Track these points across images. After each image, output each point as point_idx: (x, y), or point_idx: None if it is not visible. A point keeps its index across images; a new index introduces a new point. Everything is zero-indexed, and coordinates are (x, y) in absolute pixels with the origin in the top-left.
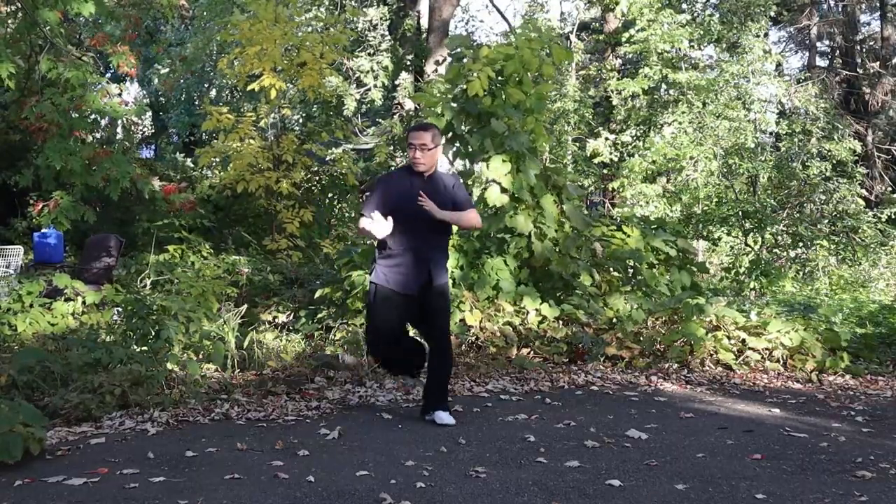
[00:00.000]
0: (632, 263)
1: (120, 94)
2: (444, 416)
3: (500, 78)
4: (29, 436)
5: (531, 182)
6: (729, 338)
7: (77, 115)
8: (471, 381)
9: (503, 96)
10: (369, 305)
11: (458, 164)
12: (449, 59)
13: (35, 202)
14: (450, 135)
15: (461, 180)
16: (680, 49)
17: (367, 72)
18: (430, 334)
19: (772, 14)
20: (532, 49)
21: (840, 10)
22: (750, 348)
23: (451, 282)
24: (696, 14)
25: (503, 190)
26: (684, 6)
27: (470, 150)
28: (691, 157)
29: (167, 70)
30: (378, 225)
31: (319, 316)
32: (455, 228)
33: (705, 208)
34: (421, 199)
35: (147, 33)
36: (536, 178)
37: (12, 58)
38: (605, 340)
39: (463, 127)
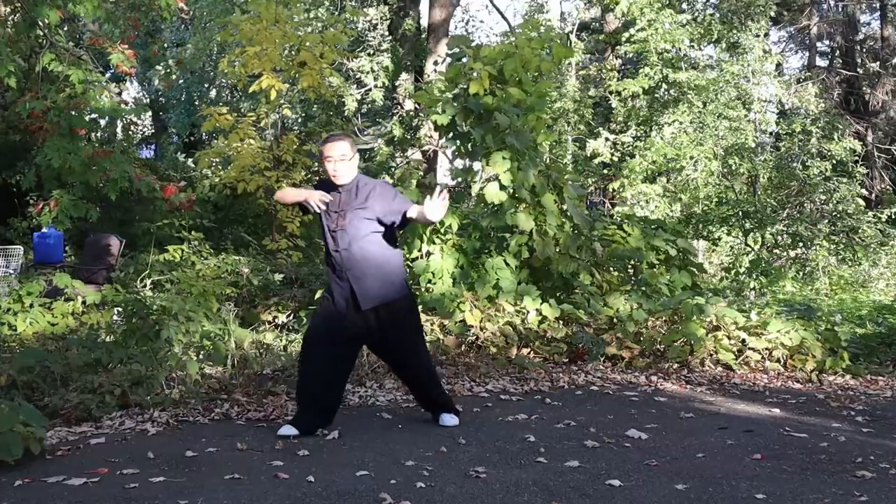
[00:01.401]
0: (632, 263)
1: (119, 94)
2: (451, 420)
3: (500, 77)
4: (29, 435)
5: (531, 180)
6: (729, 338)
7: (76, 114)
8: (471, 381)
9: (503, 95)
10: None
11: (459, 162)
12: (448, 59)
13: (36, 202)
14: (450, 134)
15: (388, 183)
16: (680, 49)
17: (368, 72)
18: (404, 373)
19: (772, 14)
20: (532, 48)
21: (840, 10)
22: (750, 348)
23: (450, 282)
24: (696, 14)
25: (502, 187)
26: (684, 6)
27: (471, 147)
28: (691, 157)
29: (166, 71)
30: (319, 195)
31: None
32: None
33: (705, 208)
34: (338, 251)
35: (147, 34)
36: (537, 177)
37: (13, 57)
38: (605, 340)
39: (464, 126)
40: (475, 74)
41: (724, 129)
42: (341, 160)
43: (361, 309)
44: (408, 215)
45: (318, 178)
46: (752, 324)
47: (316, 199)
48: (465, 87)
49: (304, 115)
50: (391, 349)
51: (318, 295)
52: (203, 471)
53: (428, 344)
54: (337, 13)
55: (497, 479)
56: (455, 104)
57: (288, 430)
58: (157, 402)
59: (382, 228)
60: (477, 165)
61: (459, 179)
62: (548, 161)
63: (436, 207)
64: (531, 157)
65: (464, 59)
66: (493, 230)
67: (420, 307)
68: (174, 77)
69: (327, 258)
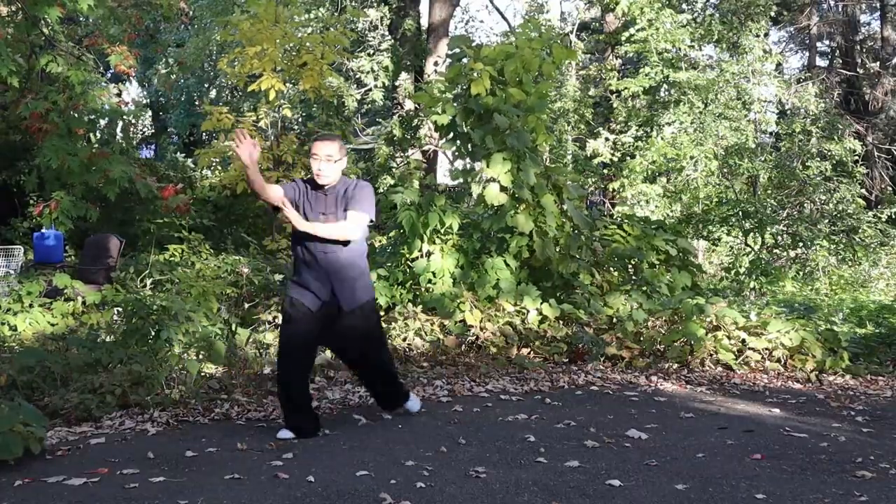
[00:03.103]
0: (632, 263)
1: (119, 95)
2: (413, 405)
3: (501, 77)
4: (29, 435)
5: (531, 181)
6: (729, 338)
7: (75, 115)
8: (471, 381)
9: (504, 96)
10: (281, 322)
11: (459, 163)
12: (448, 60)
13: (37, 203)
14: (451, 135)
15: (368, 186)
16: (680, 49)
17: (368, 72)
18: (362, 364)
19: (772, 14)
20: (533, 49)
21: (840, 10)
22: (750, 348)
23: (450, 282)
24: (696, 14)
25: (503, 189)
26: (684, 6)
27: (470, 148)
28: (691, 157)
29: (166, 70)
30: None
31: None
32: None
33: (705, 208)
34: (286, 207)
35: (147, 34)
36: (537, 178)
37: (13, 56)
38: (605, 340)
39: (465, 127)
40: (476, 75)
41: (725, 129)
42: (327, 160)
43: (345, 311)
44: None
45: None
46: (752, 324)
47: (295, 225)
48: (465, 87)
49: (304, 115)
50: (360, 346)
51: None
52: (203, 471)
53: (428, 344)
54: (337, 13)
55: (497, 479)
56: (455, 105)
57: (285, 433)
58: (157, 402)
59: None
60: (477, 166)
61: (459, 180)
62: (547, 162)
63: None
64: (531, 157)
65: (464, 60)
66: (494, 231)
67: (420, 307)
68: (174, 77)
69: (303, 257)
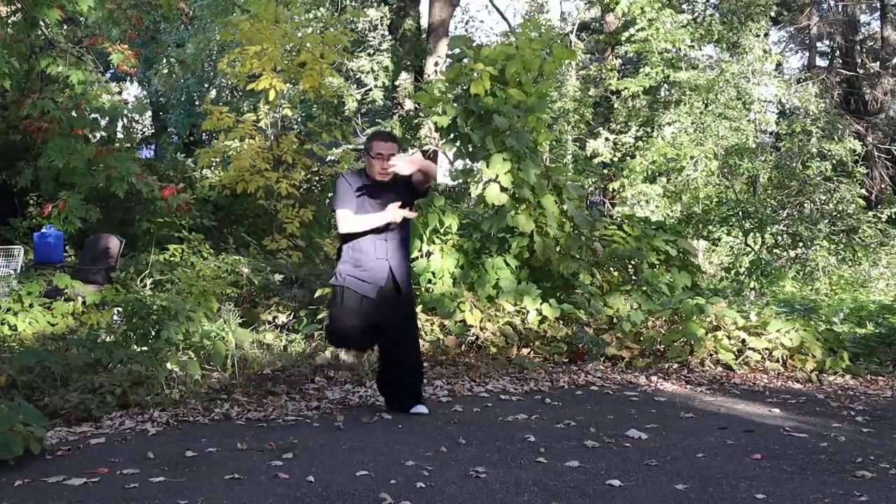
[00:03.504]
0: (632, 263)
1: (120, 93)
2: (419, 408)
3: (501, 77)
4: (29, 435)
5: (532, 181)
6: (729, 338)
7: (76, 114)
8: (471, 381)
9: (504, 96)
10: (335, 309)
11: (459, 163)
12: (448, 60)
13: (43, 203)
14: (451, 135)
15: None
16: (680, 49)
17: (368, 72)
18: (397, 345)
19: (772, 14)
20: (533, 49)
21: (840, 10)
22: (750, 348)
23: (450, 282)
24: (696, 14)
25: (503, 189)
26: (684, 6)
27: (471, 148)
28: (691, 157)
29: (167, 71)
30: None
31: (319, 316)
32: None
33: (705, 208)
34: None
35: (147, 34)
36: (537, 178)
37: (8, 58)
38: (605, 340)
39: (466, 127)
40: (476, 75)
41: (725, 129)
42: (390, 158)
43: (401, 291)
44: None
45: (317, 178)
46: (752, 324)
47: (398, 218)
48: (465, 87)
49: (304, 115)
50: (403, 329)
51: (317, 294)
52: (203, 471)
53: (428, 344)
54: (337, 13)
55: (497, 479)
56: (456, 105)
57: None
58: (157, 402)
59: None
60: (477, 166)
61: (460, 180)
62: (547, 162)
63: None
64: (531, 157)
65: (464, 60)
66: (494, 232)
67: (420, 307)
68: (175, 78)
69: (363, 245)
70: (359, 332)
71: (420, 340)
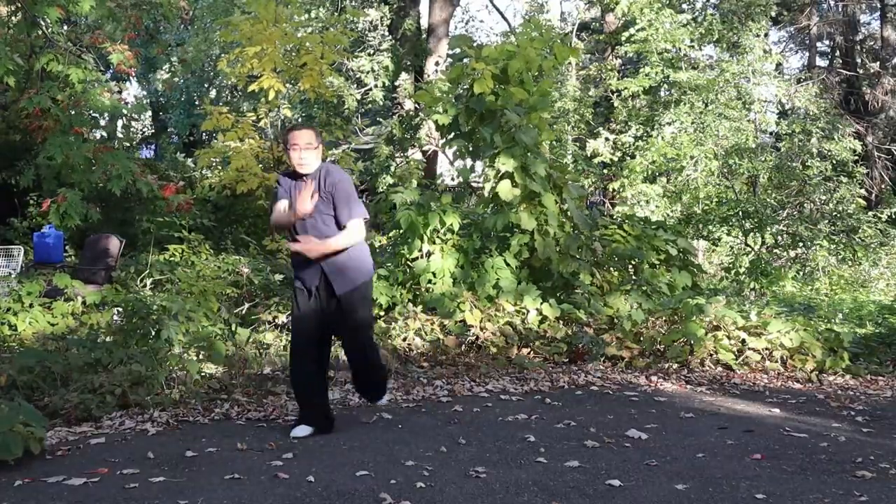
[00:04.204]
0: (632, 263)
1: (120, 93)
2: (384, 401)
3: (503, 76)
4: (29, 435)
5: (543, 174)
6: (729, 338)
7: (76, 113)
8: (471, 381)
9: (506, 95)
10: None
11: (459, 163)
12: (448, 60)
13: (43, 200)
14: (451, 135)
15: (346, 178)
16: (680, 49)
17: (368, 72)
18: (347, 346)
19: (772, 14)
20: (535, 48)
21: (840, 10)
22: (750, 348)
23: (450, 282)
24: (696, 14)
25: (514, 184)
26: (684, 6)
27: (473, 147)
28: (691, 157)
29: (169, 74)
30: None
31: None
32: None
33: (705, 208)
34: (298, 240)
35: (148, 34)
36: (545, 172)
37: (11, 56)
38: (605, 340)
39: (467, 126)
40: (478, 74)
41: (725, 129)
42: (307, 148)
43: (336, 293)
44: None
45: None
46: (752, 324)
47: (299, 215)
48: (466, 87)
49: (304, 115)
50: (349, 326)
51: None
52: (203, 471)
53: (428, 344)
54: (337, 13)
55: (497, 479)
56: (457, 104)
57: (301, 430)
58: (157, 402)
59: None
60: (478, 165)
61: (460, 178)
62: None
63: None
64: (538, 153)
65: (465, 60)
66: (495, 230)
67: (420, 307)
68: (176, 79)
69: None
70: (303, 343)
71: (372, 339)
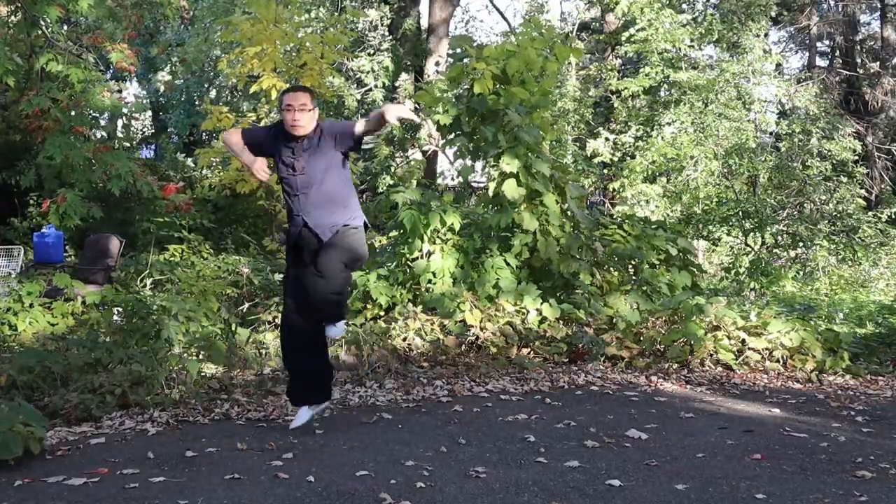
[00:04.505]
0: (632, 263)
1: (120, 92)
2: (333, 332)
3: (503, 76)
4: (29, 435)
5: (547, 172)
6: (729, 338)
7: (76, 113)
8: (471, 381)
9: (507, 95)
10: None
11: (459, 163)
12: (449, 60)
13: (43, 200)
14: (452, 135)
15: (333, 121)
16: (680, 49)
17: (368, 72)
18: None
19: (772, 14)
20: (536, 48)
21: (840, 10)
22: (750, 348)
23: (450, 282)
24: (696, 14)
25: (519, 183)
26: (684, 6)
27: (475, 146)
28: (691, 157)
29: (170, 76)
30: (259, 166)
31: None
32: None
33: (705, 208)
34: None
35: (148, 34)
36: (548, 171)
37: (10, 55)
38: (605, 340)
39: (468, 126)
40: (479, 74)
41: (725, 129)
42: (301, 109)
43: (322, 241)
44: (356, 131)
45: None
46: (752, 324)
47: (259, 173)
48: (467, 87)
49: None
50: (320, 265)
51: None
52: (203, 471)
53: (428, 344)
54: (337, 13)
55: (497, 479)
56: (458, 104)
57: (300, 419)
58: (157, 402)
59: (339, 166)
60: (478, 165)
61: (469, 176)
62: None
63: (394, 107)
64: (539, 153)
65: (465, 60)
66: (496, 230)
67: (420, 307)
68: (178, 81)
69: (286, 202)
70: (290, 305)
71: (341, 277)
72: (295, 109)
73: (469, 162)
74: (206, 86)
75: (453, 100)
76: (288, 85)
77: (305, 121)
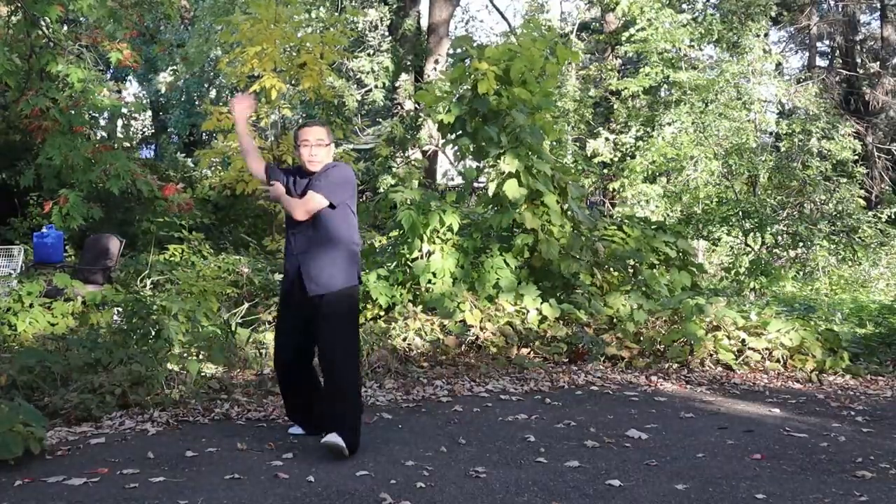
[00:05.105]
0: (632, 263)
1: (119, 92)
2: (333, 438)
3: (505, 77)
4: (29, 435)
5: (549, 173)
6: (729, 338)
7: (76, 113)
8: (471, 381)
9: (509, 95)
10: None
11: (463, 164)
12: (448, 60)
13: (44, 201)
14: (454, 135)
15: (345, 168)
16: (680, 49)
17: (368, 72)
18: (319, 357)
19: (772, 14)
20: (537, 48)
21: (840, 10)
22: (750, 348)
23: (450, 282)
24: (696, 14)
25: (521, 183)
26: (684, 6)
27: (473, 147)
28: (691, 157)
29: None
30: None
31: None
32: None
33: (705, 208)
34: (271, 184)
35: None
36: (549, 171)
37: (9, 56)
38: (605, 340)
39: (471, 126)
40: (481, 75)
41: (725, 129)
42: (318, 145)
43: (308, 294)
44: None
45: None
46: (752, 324)
47: (279, 194)
48: (468, 87)
49: (304, 115)
50: (319, 337)
51: None
52: (203, 471)
53: (428, 344)
54: (337, 13)
55: (497, 479)
56: (460, 104)
57: (296, 428)
58: (157, 402)
59: (334, 211)
60: (480, 165)
61: (472, 177)
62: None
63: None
64: (541, 154)
65: (466, 60)
66: (496, 230)
67: (420, 307)
68: (179, 82)
69: (287, 240)
70: (280, 337)
71: (351, 361)
72: (312, 145)
73: (470, 162)
74: (206, 86)
75: (454, 100)
76: (288, 85)
77: (322, 156)
